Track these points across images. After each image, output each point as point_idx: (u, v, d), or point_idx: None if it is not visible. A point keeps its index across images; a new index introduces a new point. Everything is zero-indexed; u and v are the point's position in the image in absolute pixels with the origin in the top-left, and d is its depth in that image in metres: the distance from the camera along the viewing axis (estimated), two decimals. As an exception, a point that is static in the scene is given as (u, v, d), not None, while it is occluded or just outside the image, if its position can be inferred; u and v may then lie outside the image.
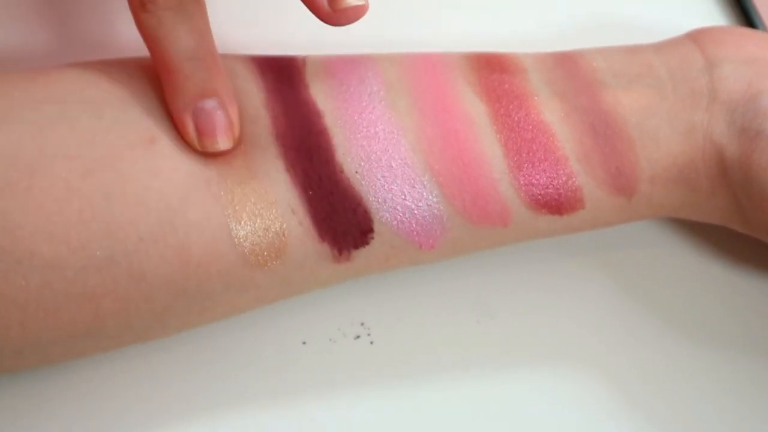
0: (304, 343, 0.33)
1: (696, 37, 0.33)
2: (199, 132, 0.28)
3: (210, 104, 0.28)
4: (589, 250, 0.35)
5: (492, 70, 0.32)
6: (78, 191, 0.27)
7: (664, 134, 0.31)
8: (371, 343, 0.33)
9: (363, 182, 0.29)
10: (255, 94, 0.30)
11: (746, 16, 0.41)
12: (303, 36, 0.36)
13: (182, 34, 0.28)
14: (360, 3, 0.27)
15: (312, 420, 0.31)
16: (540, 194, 0.30)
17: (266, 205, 0.29)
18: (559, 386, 0.33)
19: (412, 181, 0.30)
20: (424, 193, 0.30)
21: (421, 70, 0.32)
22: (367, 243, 0.30)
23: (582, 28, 0.40)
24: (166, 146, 0.28)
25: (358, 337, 0.33)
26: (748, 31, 0.34)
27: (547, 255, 0.35)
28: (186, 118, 0.28)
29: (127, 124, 0.29)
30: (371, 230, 0.29)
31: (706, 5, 0.41)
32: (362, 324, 0.33)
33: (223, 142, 0.29)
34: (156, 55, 0.28)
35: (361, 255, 0.30)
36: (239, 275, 0.29)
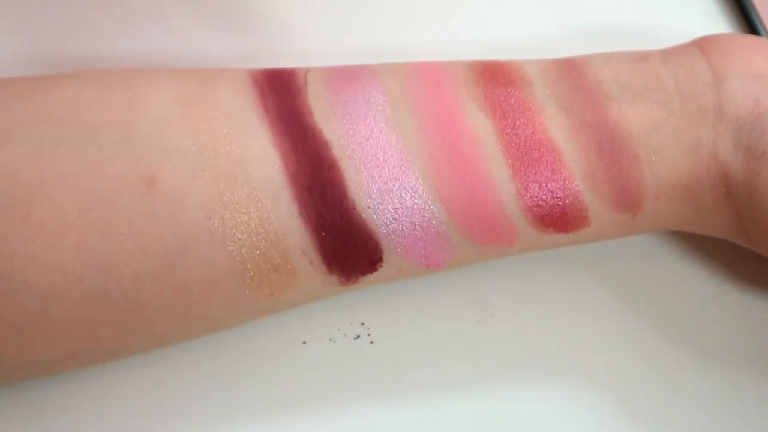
0: (304, 343, 0.33)
1: (703, 47, 0.32)
2: None
3: None
4: (589, 251, 0.35)
5: (497, 83, 0.31)
6: (75, 226, 0.27)
7: (670, 151, 0.30)
8: (371, 343, 0.33)
9: (375, 216, 0.29)
10: (262, 131, 0.29)
11: (746, 17, 0.41)
12: (304, 44, 0.36)
13: None
14: None
15: (312, 420, 0.31)
16: (547, 215, 0.30)
17: (277, 253, 0.28)
18: (559, 386, 0.33)
19: (422, 211, 0.29)
20: (434, 222, 0.29)
21: (424, 85, 0.31)
22: (376, 270, 0.30)
23: (583, 31, 0.40)
24: (165, 189, 0.28)
25: (358, 337, 0.33)
26: (755, 41, 0.33)
27: (547, 255, 0.35)
28: None
29: (127, 157, 0.28)
30: (381, 260, 0.29)
31: (706, 6, 0.41)
32: (362, 324, 0.33)
33: None
34: None
35: (368, 278, 0.30)
36: (243, 305, 0.29)
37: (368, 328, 0.33)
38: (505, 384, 0.32)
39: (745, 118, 0.30)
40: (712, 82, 0.31)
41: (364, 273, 0.29)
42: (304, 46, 0.37)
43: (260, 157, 0.28)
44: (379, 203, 0.29)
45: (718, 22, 0.41)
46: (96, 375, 0.31)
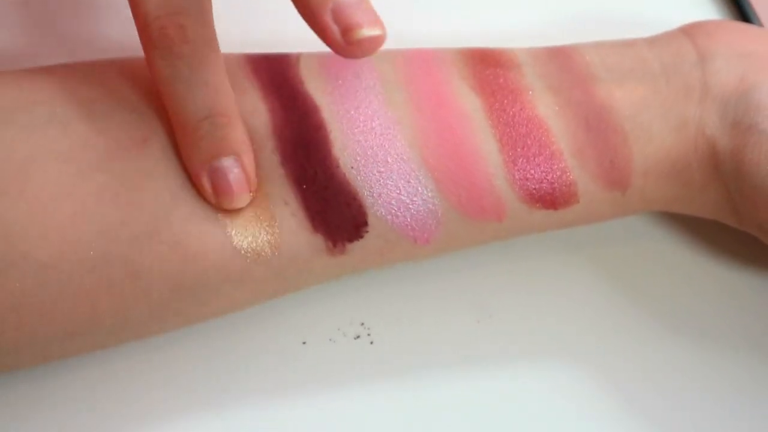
0: (304, 343, 0.33)
1: (689, 31, 0.33)
2: (216, 191, 0.28)
3: (226, 163, 0.28)
4: (588, 251, 0.35)
5: (486, 65, 0.32)
6: (71, 194, 0.27)
7: (657, 128, 0.31)
8: (371, 343, 0.33)
9: (359, 177, 0.29)
10: (251, 90, 0.30)
11: (741, 12, 0.41)
12: (296, 33, 0.36)
13: (198, 91, 0.27)
14: (377, 33, 0.25)
15: (312, 420, 0.31)
16: (535, 189, 0.30)
17: (260, 202, 0.29)
18: (559, 385, 0.33)
19: (408, 177, 0.30)
20: (420, 188, 0.30)
21: (415, 66, 0.32)
22: (361, 236, 0.30)
23: (577, 24, 0.40)
24: (158, 147, 0.28)
25: (358, 337, 0.33)
26: (741, 25, 0.34)
27: (546, 255, 0.35)
28: (202, 177, 0.28)
29: (119, 125, 0.28)
30: (365, 224, 0.29)
31: (702, 1, 0.41)
32: (362, 324, 0.33)
33: (239, 200, 0.28)
34: (172, 114, 0.28)
35: (356, 248, 0.30)
36: (235, 267, 0.29)
37: (368, 328, 0.33)
38: (504, 383, 0.32)
39: (730, 93, 0.31)
40: (697, 61, 0.31)
41: (350, 238, 0.30)
42: (295, 36, 0.36)
43: (248, 111, 0.29)
44: (363, 165, 0.29)
45: (713, 18, 0.41)
46: (96, 376, 0.31)
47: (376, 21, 0.25)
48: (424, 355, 0.33)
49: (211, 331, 0.32)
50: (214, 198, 0.28)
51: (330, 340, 0.33)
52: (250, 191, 0.28)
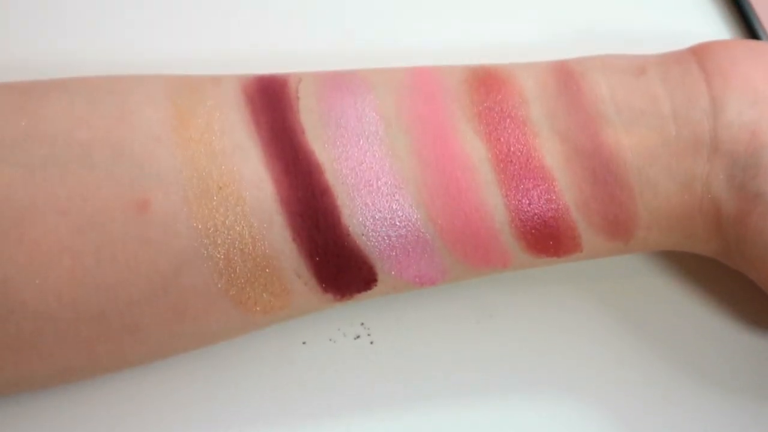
0: (304, 343, 0.33)
1: (703, 63, 0.31)
2: None
3: None
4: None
5: (493, 101, 0.30)
6: (69, 249, 0.27)
7: (664, 184, 0.30)
8: (371, 343, 0.33)
9: (369, 243, 0.29)
10: (253, 151, 0.29)
11: (744, 17, 0.41)
12: (296, 45, 0.36)
13: None
14: None
15: (312, 420, 0.31)
16: (540, 242, 0.30)
17: (271, 275, 0.28)
18: (559, 386, 0.33)
19: (416, 238, 0.29)
20: (428, 247, 0.29)
21: (419, 102, 0.30)
22: (370, 289, 0.30)
23: (580, 32, 0.40)
24: (158, 213, 0.27)
25: (358, 337, 0.33)
26: (756, 50, 0.32)
27: (547, 255, 0.35)
28: None
29: (119, 180, 0.27)
30: (375, 281, 0.30)
31: (704, 6, 0.41)
32: (362, 324, 0.33)
33: None
34: None
35: (363, 296, 0.30)
36: (239, 323, 0.29)
37: (368, 328, 0.33)
38: (504, 384, 0.32)
39: (740, 152, 0.29)
40: (709, 109, 0.30)
41: (359, 291, 0.30)
42: (295, 48, 0.37)
43: (253, 181, 0.28)
44: (373, 230, 0.29)
45: (716, 23, 0.41)
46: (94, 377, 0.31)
47: None
48: (424, 356, 0.33)
49: (211, 331, 0.32)
50: None
51: (330, 340, 0.33)
52: None
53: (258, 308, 0.29)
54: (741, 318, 0.34)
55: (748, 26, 0.41)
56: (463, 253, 0.30)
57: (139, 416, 0.31)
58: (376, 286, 0.30)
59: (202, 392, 0.32)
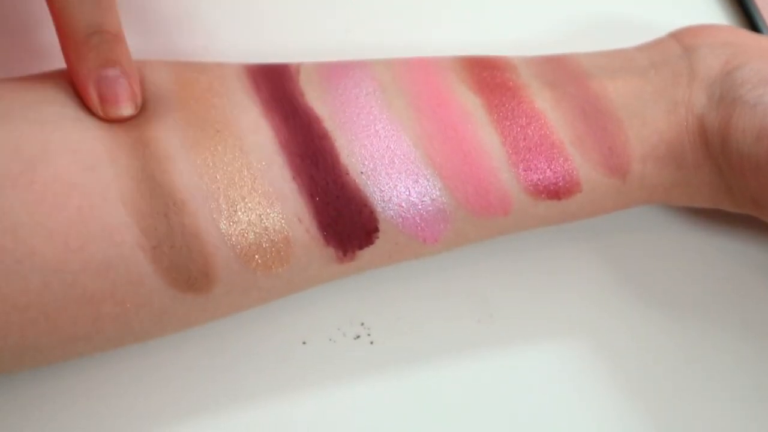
0: (304, 343, 0.33)
1: (674, 34, 0.35)
2: (102, 99, 0.29)
3: (113, 73, 0.29)
4: (590, 251, 0.35)
5: (483, 68, 0.33)
6: (78, 186, 0.27)
7: (650, 113, 0.32)
8: (371, 343, 0.33)
9: (368, 182, 0.30)
10: (251, 106, 0.30)
11: (748, 16, 0.41)
12: (295, 43, 0.36)
13: (88, 9, 0.29)
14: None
15: (312, 420, 0.31)
16: (539, 179, 0.31)
17: (273, 217, 0.29)
18: (560, 386, 0.32)
19: (416, 176, 0.30)
20: (428, 187, 0.30)
21: (414, 72, 0.32)
22: (372, 243, 0.30)
23: (580, 29, 0.40)
24: (161, 151, 0.28)
25: (358, 337, 0.33)
26: (723, 25, 0.36)
27: (548, 255, 0.35)
28: (89, 86, 0.29)
29: (127, 126, 0.29)
30: (376, 230, 0.30)
31: (707, 5, 0.41)
32: (362, 324, 0.33)
33: (125, 109, 0.29)
34: (62, 28, 0.29)
35: (365, 253, 0.30)
36: (242, 280, 0.29)
37: (368, 328, 0.33)
38: (505, 383, 0.32)
39: (716, 75, 0.32)
40: (683, 53, 0.33)
41: (361, 246, 0.30)
42: (295, 46, 0.37)
43: (251, 128, 0.30)
44: (371, 169, 0.30)
45: (718, 16, 0.41)
46: (94, 376, 0.31)
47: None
48: (424, 355, 0.33)
49: (211, 331, 0.32)
50: (100, 107, 0.29)
51: (330, 340, 0.33)
52: (136, 105, 0.29)
53: (258, 258, 0.29)
54: (739, 269, 0.35)
55: (749, 21, 0.41)
56: (463, 196, 0.30)
57: (138, 414, 0.31)
58: (377, 237, 0.30)
59: (201, 391, 0.31)
